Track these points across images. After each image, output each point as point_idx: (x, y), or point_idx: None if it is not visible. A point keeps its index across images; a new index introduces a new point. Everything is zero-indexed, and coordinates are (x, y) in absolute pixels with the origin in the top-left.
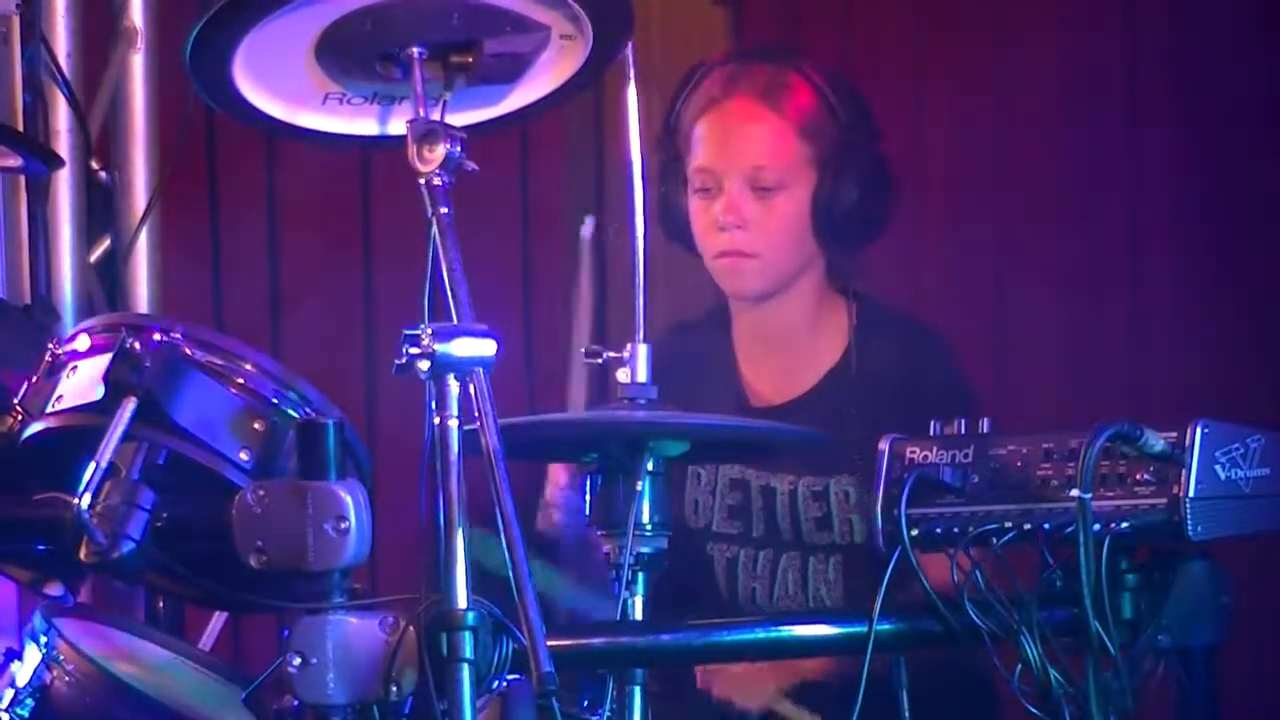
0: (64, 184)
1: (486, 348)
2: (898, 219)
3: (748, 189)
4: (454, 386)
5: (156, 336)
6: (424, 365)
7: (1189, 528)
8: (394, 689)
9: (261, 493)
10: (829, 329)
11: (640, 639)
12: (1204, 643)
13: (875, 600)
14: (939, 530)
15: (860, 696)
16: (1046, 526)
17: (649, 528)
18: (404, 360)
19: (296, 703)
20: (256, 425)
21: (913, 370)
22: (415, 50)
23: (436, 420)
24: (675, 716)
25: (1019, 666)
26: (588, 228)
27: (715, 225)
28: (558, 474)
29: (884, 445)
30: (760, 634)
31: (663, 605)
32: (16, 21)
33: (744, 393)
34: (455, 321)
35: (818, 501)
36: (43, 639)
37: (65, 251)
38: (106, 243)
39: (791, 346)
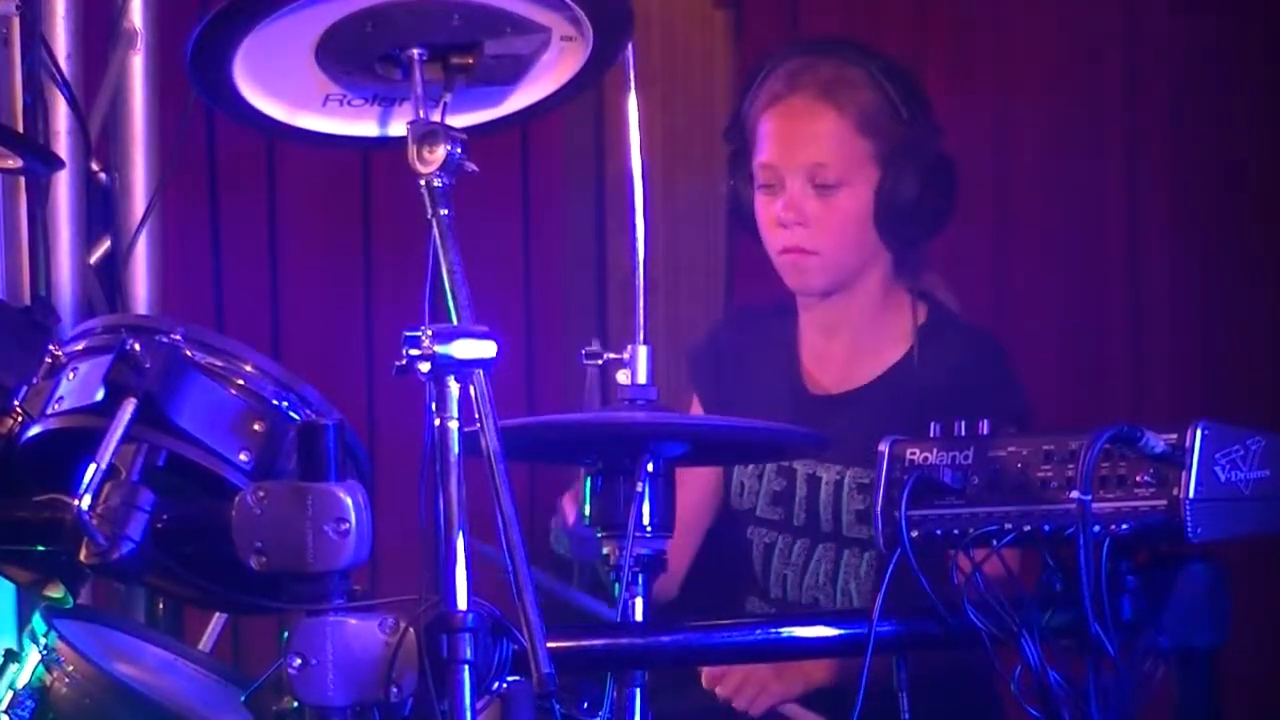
0: (64, 185)
1: (487, 349)
2: None
3: (809, 186)
4: (454, 388)
5: (157, 338)
6: (424, 367)
7: (1189, 529)
8: (394, 690)
9: (261, 494)
10: (893, 326)
11: (640, 640)
12: (1204, 644)
13: (876, 601)
14: (939, 532)
15: (861, 698)
16: (1046, 528)
17: (649, 529)
18: (404, 362)
19: (296, 704)
20: (256, 427)
21: (972, 378)
22: (415, 52)
23: (437, 422)
24: (676, 713)
25: (1019, 668)
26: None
27: (777, 221)
28: (567, 510)
29: (884, 447)
30: (760, 635)
31: (700, 584)
32: (16, 22)
33: (803, 379)
34: (455, 323)
35: (863, 494)
36: (42, 640)
37: (65, 253)
38: (106, 244)
39: (854, 339)
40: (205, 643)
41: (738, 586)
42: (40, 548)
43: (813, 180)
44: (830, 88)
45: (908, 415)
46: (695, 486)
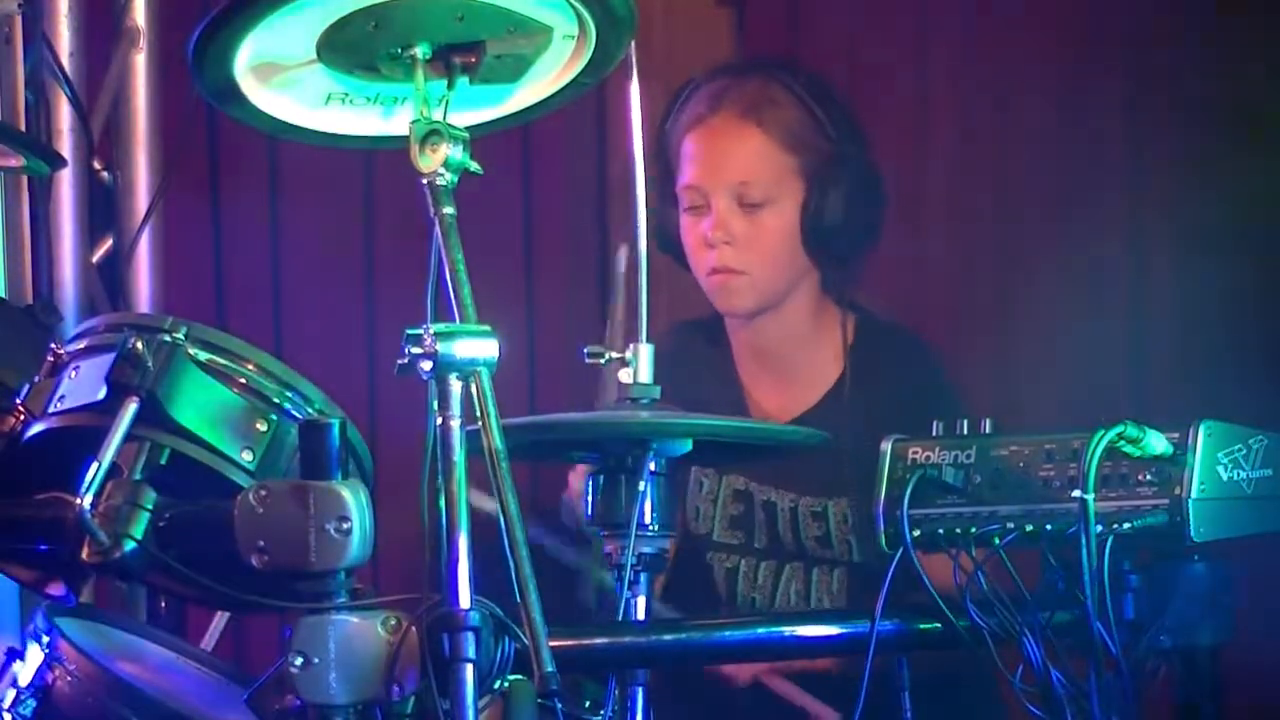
0: (66, 184)
1: (489, 348)
2: (900, 223)
3: (735, 205)
4: (456, 386)
5: (159, 336)
6: (426, 365)
7: (1191, 529)
8: (396, 689)
9: (264, 493)
10: (827, 343)
11: (642, 639)
12: (1206, 644)
13: (877, 600)
14: (941, 531)
15: (862, 697)
16: (1049, 527)
17: (652, 528)
18: (406, 360)
19: (299, 703)
20: (259, 425)
21: (907, 387)
22: (418, 50)
23: (439, 420)
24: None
25: (1021, 667)
26: (622, 260)
27: (704, 242)
28: (575, 480)
29: (886, 446)
30: (762, 634)
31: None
32: (19, 21)
33: (746, 408)
34: (458, 321)
35: (817, 521)
36: (45, 639)
37: (67, 251)
38: (109, 242)
39: (789, 362)
40: (207, 641)
41: (700, 608)
42: (42, 546)
43: (739, 200)
44: (754, 106)
45: (851, 434)
46: None
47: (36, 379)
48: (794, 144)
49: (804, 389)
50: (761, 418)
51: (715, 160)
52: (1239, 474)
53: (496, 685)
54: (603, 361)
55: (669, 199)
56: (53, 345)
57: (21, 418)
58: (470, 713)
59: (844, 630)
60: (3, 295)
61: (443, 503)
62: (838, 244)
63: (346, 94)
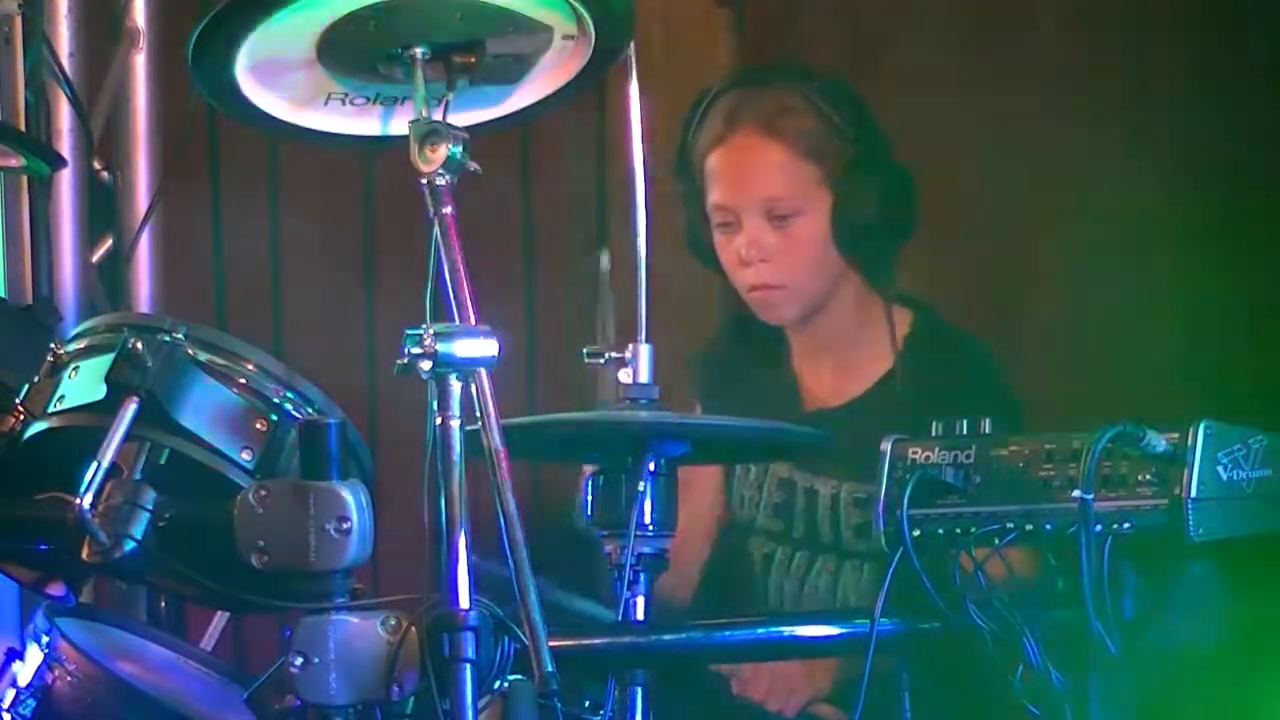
0: (66, 184)
1: (488, 347)
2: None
3: (765, 221)
4: (456, 386)
5: (159, 337)
6: (426, 365)
7: (1191, 528)
8: (396, 689)
9: (263, 493)
10: (877, 338)
11: (642, 639)
12: (1205, 643)
13: (878, 599)
14: (941, 531)
15: (863, 696)
16: (1048, 527)
17: (651, 528)
18: (406, 360)
19: (298, 703)
20: (259, 425)
21: (961, 384)
22: (418, 50)
23: (439, 420)
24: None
25: (1020, 667)
26: (606, 262)
27: (740, 260)
28: None
29: (886, 446)
30: (762, 634)
31: (708, 597)
32: (19, 21)
33: (798, 393)
34: (457, 321)
35: (859, 508)
36: (45, 639)
37: (67, 251)
38: (108, 243)
39: (841, 356)
40: (207, 641)
41: (739, 599)
42: (42, 546)
43: (768, 214)
44: (771, 120)
45: (901, 426)
46: (704, 488)
47: (36, 379)
48: (815, 151)
49: (857, 378)
50: (815, 407)
51: (740, 178)
52: (1239, 474)
53: (496, 685)
54: (602, 361)
55: (700, 215)
56: (53, 345)
57: (21, 418)
58: (470, 713)
59: (844, 630)
60: (3, 295)
61: (443, 503)
62: (870, 243)
63: (346, 94)
